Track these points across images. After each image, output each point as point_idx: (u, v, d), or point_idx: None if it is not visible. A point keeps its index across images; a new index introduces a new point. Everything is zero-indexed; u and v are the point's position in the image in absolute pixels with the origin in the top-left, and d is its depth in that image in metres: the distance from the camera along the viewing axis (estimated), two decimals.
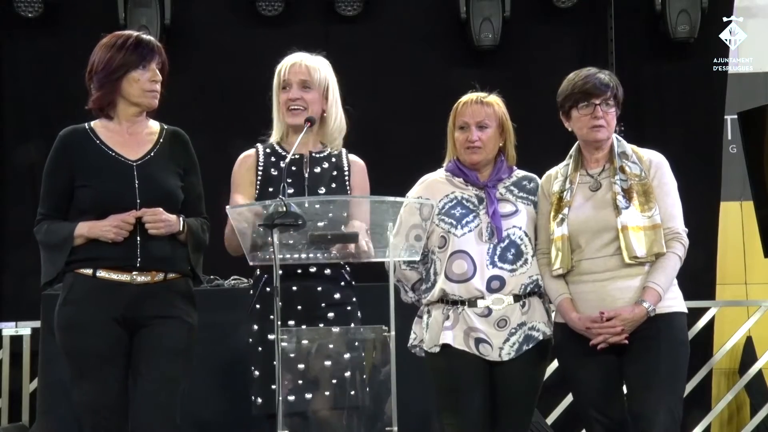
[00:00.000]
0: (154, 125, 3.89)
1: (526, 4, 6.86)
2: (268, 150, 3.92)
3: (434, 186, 4.00)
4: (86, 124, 3.84)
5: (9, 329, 6.30)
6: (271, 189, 3.83)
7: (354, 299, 3.86)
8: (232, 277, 5.51)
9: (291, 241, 3.46)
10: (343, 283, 3.84)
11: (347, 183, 3.92)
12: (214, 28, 6.86)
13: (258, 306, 3.82)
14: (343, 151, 3.98)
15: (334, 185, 3.88)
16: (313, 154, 3.92)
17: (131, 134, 3.82)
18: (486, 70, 6.56)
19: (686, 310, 3.90)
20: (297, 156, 3.86)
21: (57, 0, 6.66)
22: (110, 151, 3.78)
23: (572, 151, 4.00)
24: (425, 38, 6.92)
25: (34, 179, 6.48)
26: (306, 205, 3.47)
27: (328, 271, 3.80)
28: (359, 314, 3.86)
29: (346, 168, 3.93)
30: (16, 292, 6.61)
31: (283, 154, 3.89)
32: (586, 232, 3.85)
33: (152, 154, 3.81)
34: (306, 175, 3.86)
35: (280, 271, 3.67)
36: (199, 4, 6.89)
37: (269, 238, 3.39)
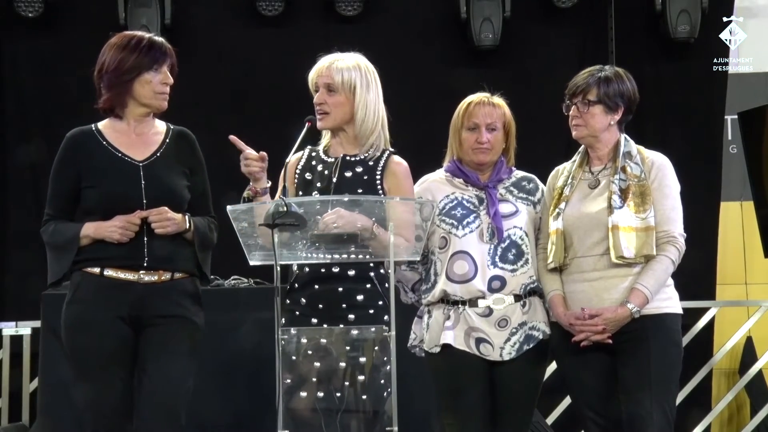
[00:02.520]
0: (161, 125, 3.89)
1: (526, 4, 6.86)
2: (313, 154, 3.87)
3: (434, 186, 4.00)
4: (93, 125, 3.85)
5: (9, 329, 6.30)
6: (301, 193, 3.81)
7: (381, 302, 3.69)
8: (232, 277, 5.52)
9: (303, 242, 3.47)
10: (369, 285, 3.72)
11: (379, 187, 3.78)
12: (214, 28, 6.86)
13: (287, 301, 3.74)
14: (386, 153, 3.84)
15: (360, 190, 3.75)
16: (347, 158, 3.81)
17: (138, 134, 3.83)
18: (486, 70, 6.56)
19: (681, 311, 3.89)
20: (333, 159, 3.83)
21: (57, 0, 6.66)
22: (117, 151, 3.78)
23: (581, 147, 4.01)
24: (425, 38, 6.92)
25: (35, 179, 6.51)
26: (317, 206, 3.48)
27: (352, 272, 3.70)
28: (386, 318, 3.60)
29: (378, 172, 3.80)
30: (16, 292, 6.62)
31: (323, 157, 3.84)
32: (578, 228, 3.85)
33: (158, 154, 3.81)
34: (334, 180, 3.78)
35: (306, 269, 3.70)
36: (199, 4, 6.89)
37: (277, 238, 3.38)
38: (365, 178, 3.78)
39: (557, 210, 3.90)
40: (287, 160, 3.79)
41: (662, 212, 3.84)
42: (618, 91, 3.90)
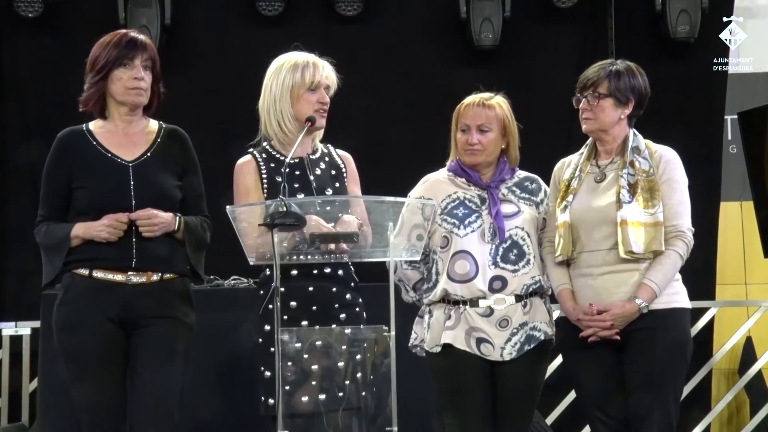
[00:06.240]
0: (153, 124, 3.89)
1: (526, 4, 6.86)
2: (264, 155, 3.88)
3: (436, 186, 4.00)
4: (84, 125, 3.85)
5: (9, 329, 6.31)
6: (267, 195, 3.81)
7: (360, 300, 3.84)
8: (232, 277, 5.51)
9: (297, 239, 3.48)
10: (352, 284, 3.84)
11: (345, 180, 3.92)
12: (214, 28, 6.86)
13: (270, 306, 3.70)
14: (330, 147, 3.99)
15: (337, 185, 3.88)
16: (310, 156, 3.90)
17: (128, 134, 3.82)
18: (486, 70, 6.56)
19: (689, 306, 3.87)
20: (297, 159, 3.85)
21: (57, 0, 6.66)
22: (107, 152, 3.78)
23: (589, 140, 3.99)
24: (425, 38, 6.92)
25: (35, 179, 6.48)
26: (317, 206, 3.51)
27: (340, 272, 3.79)
28: (364, 315, 3.84)
29: (342, 165, 3.93)
30: (16, 292, 6.62)
31: (281, 159, 3.84)
32: (585, 222, 3.84)
33: (149, 154, 3.81)
34: (312, 178, 3.84)
35: (294, 272, 3.71)
36: (199, 4, 6.89)
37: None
38: (333, 173, 3.90)
39: (564, 203, 3.87)
40: (239, 163, 3.84)
41: (670, 207, 3.82)
42: (629, 85, 3.90)
